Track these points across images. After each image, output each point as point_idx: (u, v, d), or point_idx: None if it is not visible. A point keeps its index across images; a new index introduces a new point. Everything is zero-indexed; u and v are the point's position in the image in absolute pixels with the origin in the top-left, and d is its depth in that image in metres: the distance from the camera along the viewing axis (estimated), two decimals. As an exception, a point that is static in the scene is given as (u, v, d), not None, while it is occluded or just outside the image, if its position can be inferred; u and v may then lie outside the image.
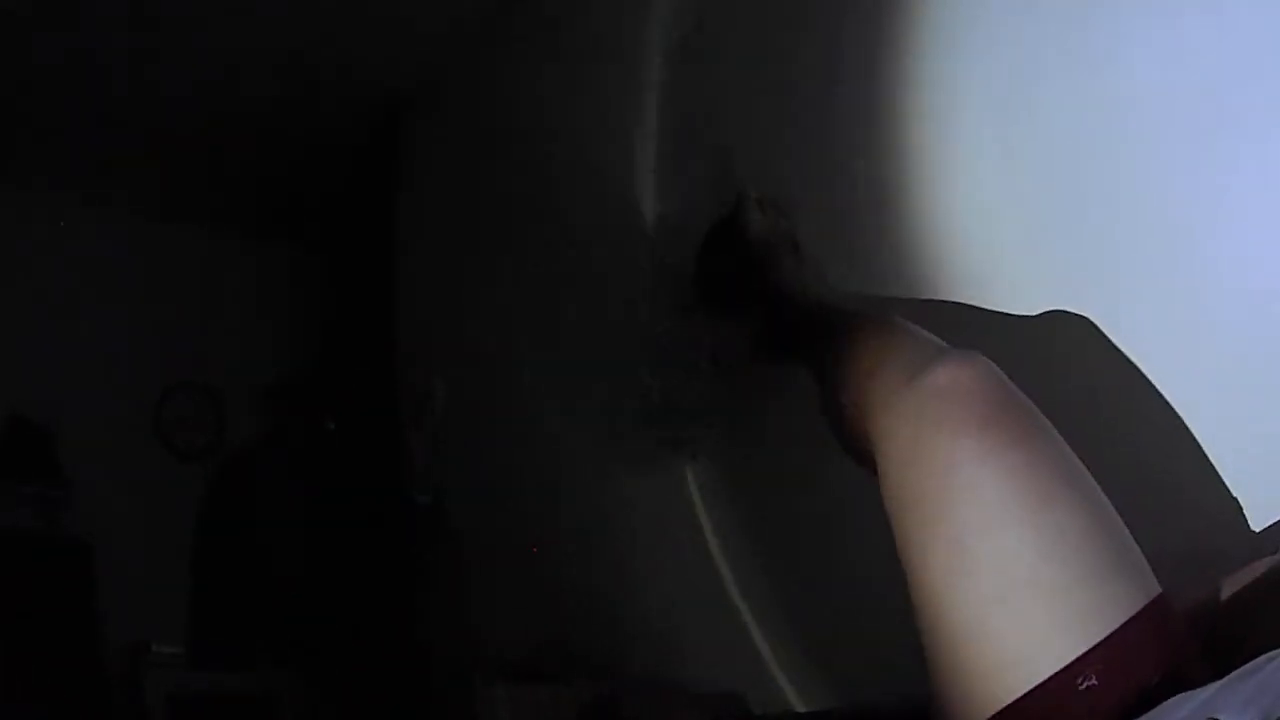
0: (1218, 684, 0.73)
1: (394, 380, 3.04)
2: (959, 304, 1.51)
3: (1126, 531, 0.88)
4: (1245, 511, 1.18)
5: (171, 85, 3.06)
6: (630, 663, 2.09)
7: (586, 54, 2.39)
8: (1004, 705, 0.80)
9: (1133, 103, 1.32)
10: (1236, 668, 0.74)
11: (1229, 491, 1.19)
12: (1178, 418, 1.24)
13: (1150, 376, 1.27)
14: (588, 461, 2.24)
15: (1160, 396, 1.26)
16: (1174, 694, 0.76)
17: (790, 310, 1.60)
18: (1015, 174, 1.47)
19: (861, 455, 1.10)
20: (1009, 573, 0.83)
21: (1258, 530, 1.16)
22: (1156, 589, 0.84)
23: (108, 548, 3.24)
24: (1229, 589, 1.01)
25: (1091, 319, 1.34)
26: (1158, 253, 1.30)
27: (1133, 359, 1.29)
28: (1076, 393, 1.34)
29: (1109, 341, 1.32)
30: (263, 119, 3.32)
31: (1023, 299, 1.43)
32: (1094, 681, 0.78)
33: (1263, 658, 0.73)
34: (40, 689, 2.91)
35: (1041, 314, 1.40)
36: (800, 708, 1.75)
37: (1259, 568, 1.03)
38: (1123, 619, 0.80)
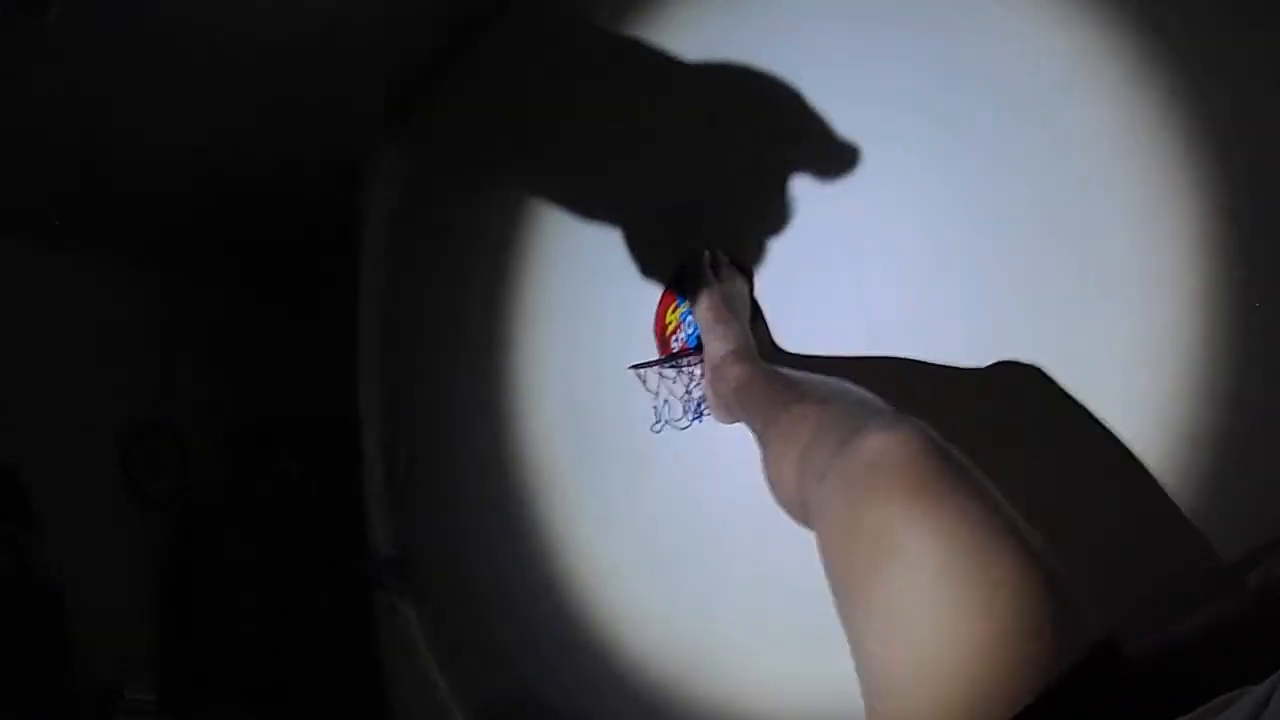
0: None
1: (359, 432, 3.02)
2: (908, 360, 1.52)
3: (1068, 580, 0.88)
4: (1215, 548, 1.17)
5: (139, 132, 3.07)
6: (599, 716, 2.07)
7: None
8: None
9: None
10: (1195, 708, 0.73)
11: (1197, 531, 1.19)
12: (1137, 459, 1.24)
13: (1105, 419, 1.27)
14: (555, 516, 2.22)
15: (1116, 439, 1.26)
16: None
17: (735, 374, 1.59)
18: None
19: (807, 522, 1.11)
20: (945, 633, 0.83)
21: (1226, 565, 1.16)
22: (1099, 635, 0.84)
23: (77, 592, 3.21)
24: (1192, 628, 1.00)
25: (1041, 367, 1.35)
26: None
27: (1087, 404, 1.29)
28: (1033, 441, 1.34)
29: (1060, 388, 1.32)
30: (233, 167, 3.33)
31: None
32: None
33: (1220, 699, 0.72)
34: (14, 733, 2.88)
35: (991, 365, 1.41)
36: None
37: (1234, 602, 1.02)
38: (1064, 669, 0.80)
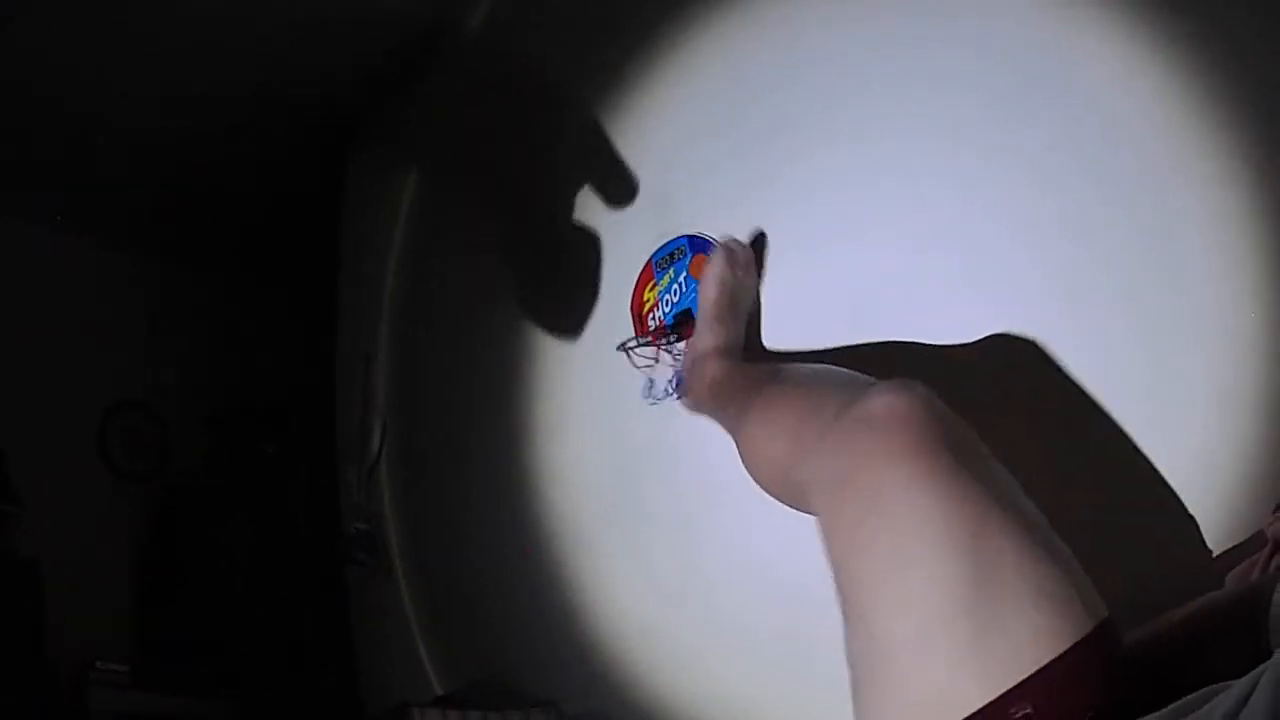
0: (1153, 716, 0.72)
1: (333, 410, 3.01)
2: (897, 342, 1.50)
3: (1070, 556, 0.86)
4: (1204, 535, 1.17)
5: (124, 117, 3.08)
6: (569, 694, 2.07)
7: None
8: None
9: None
10: (1181, 698, 0.73)
11: (1188, 515, 1.18)
12: (1130, 440, 1.24)
13: (1099, 398, 1.27)
14: (528, 491, 2.22)
15: (1110, 418, 1.25)
16: None
17: (712, 370, 1.55)
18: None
19: (794, 502, 1.08)
20: (942, 602, 0.81)
21: (1215, 554, 1.16)
22: (1101, 614, 0.82)
23: (55, 565, 3.20)
24: (1180, 618, 1.00)
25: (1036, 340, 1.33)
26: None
27: (1081, 381, 1.29)
28: (1025, 417, 1.33)
29: (1055, 363, 1.30)
30: (218, 154, 3.34)
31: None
32: (1029, 711, 0.76)
33: (1202, 691, 0.72)
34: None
35: (983, 339, 1.38)
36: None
37: (1211, 599, 1.02)
38: (1060, 648, 0.78)
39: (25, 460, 3.31)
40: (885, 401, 0.94)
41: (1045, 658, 0.77)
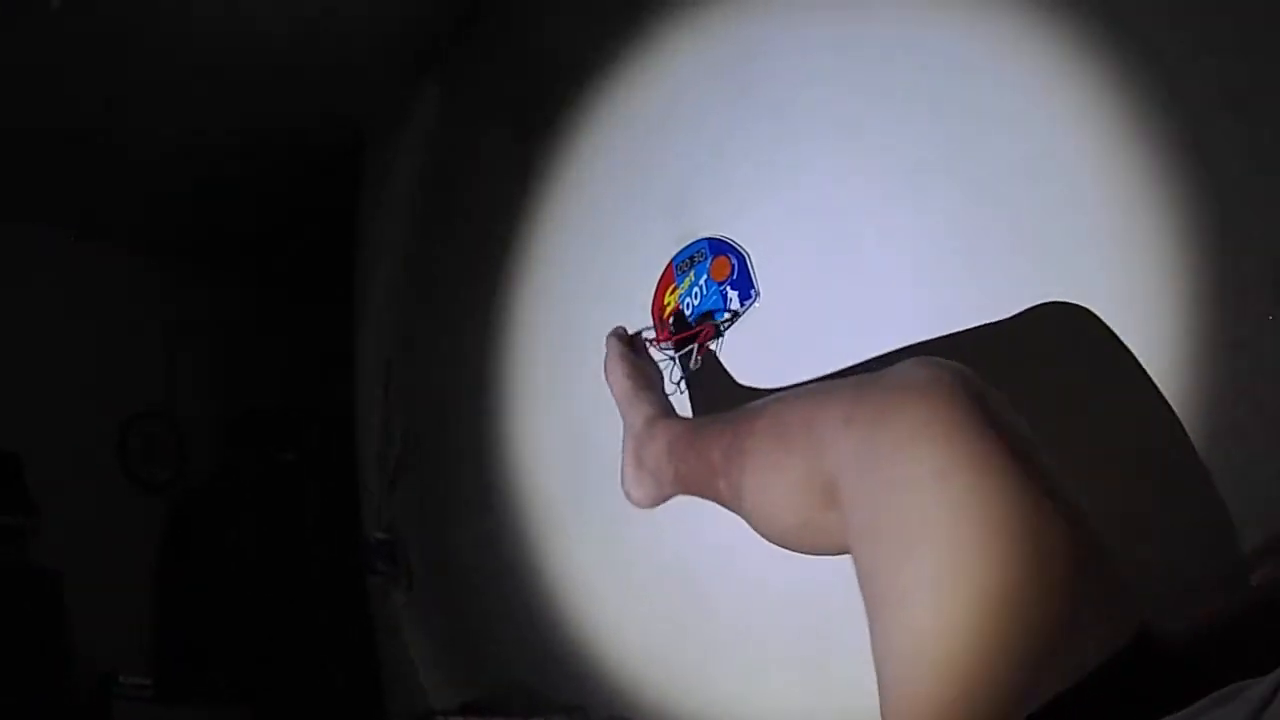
0: (1179, 714, 0.72)
1: (354, 419, 3.02)
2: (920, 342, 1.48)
3: (1113, 552, 0.80)
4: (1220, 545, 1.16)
5: (141, 123, 3.11)
6: (592, 702, 2.06)
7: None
8: None
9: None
10: (1195, 700, 0.72)
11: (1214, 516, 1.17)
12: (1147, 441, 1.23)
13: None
14: (550, 500, 2.22)
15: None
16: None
17: (662, 430, 1.39)
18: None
19: (827, 531, 0.92)
20: (996, 598, 0.75)
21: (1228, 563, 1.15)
22: (1146, 615, 0.79)
23: (75, 576, 3.21)
24: (1193, 623, 0.99)
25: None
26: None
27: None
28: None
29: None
30: (234, 161, 3.36)
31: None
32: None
33: (1226, 690, 0.71)
34: (11, 716, 2.88)
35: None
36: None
37: (1234, 599, 1.01)
38: (1108, 653, 0.75)
39: (45, 470, 3.33)
40: (917, 374, 0.86)
41: (1093, 663, 0.74)
